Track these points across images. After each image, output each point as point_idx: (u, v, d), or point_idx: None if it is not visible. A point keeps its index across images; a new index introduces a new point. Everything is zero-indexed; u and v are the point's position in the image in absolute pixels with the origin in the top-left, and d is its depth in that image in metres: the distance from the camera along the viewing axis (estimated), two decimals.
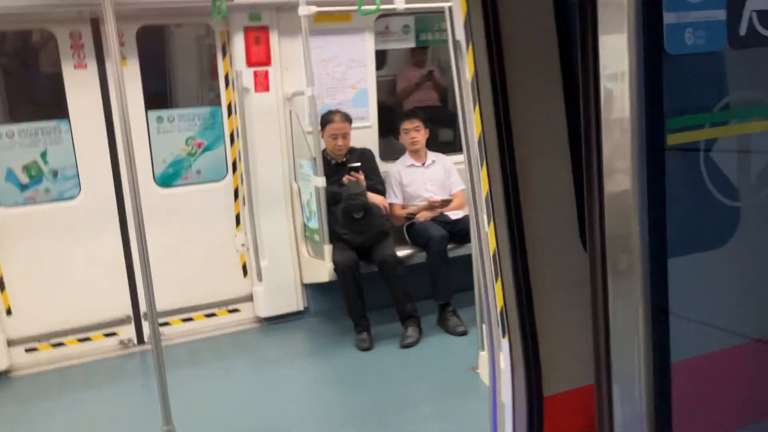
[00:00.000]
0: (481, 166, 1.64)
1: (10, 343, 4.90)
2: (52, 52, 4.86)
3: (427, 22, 5.78)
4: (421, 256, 5.17)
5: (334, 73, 5.38)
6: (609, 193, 1.19)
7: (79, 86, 4.88)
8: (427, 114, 5.70)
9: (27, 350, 4.98)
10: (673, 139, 1.19)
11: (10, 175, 4.87)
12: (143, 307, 5.20)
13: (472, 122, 1.71)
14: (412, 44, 5.94)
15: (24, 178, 4.91)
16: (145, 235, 3.51)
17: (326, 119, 5.09)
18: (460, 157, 5.42)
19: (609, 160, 1.18)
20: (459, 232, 5.11)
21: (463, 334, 4.94)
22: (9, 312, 4.91)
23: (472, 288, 4.21)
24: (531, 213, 1.56)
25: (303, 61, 4.89)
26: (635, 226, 1.15)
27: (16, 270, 4.90)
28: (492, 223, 1.64)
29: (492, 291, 1.82)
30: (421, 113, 5.49)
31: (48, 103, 5.12)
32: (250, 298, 5.54)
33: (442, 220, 5.23)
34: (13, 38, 5.29)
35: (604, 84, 1.15)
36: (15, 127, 4.84)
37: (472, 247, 4.03)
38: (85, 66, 4.85)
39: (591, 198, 1.23)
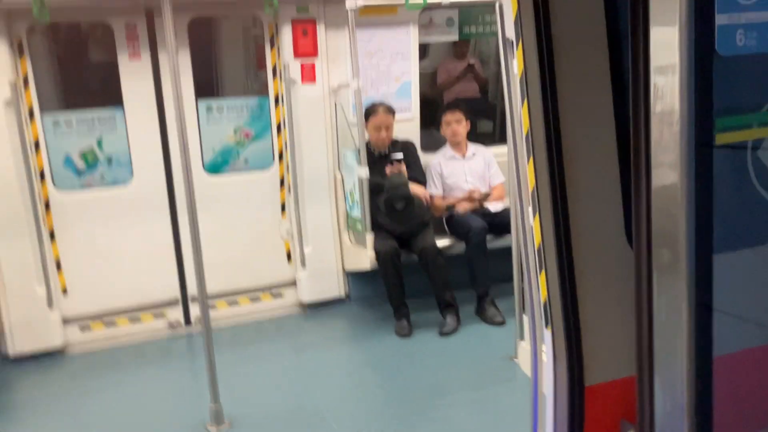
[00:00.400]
0: (528, 160, 1.69)
1: (65, 321, 5.12)
2: (109, 43, 5.04)
3: (471, 15, 5.80)
4: (460, 247, 5.24)
5: (378, 66, 5.47)
6: (656, 188, 1.22)
7: (133, 76, 5.05)
8: (467, 106, 5.74)
9: (81, 329, 5.20)
10: (721, 138, 1.23)
11: (69, 162, 5.07)
12: (191, 290, 5.39)
13: (520, 117, 1.76)
14: (455, 37, 5.98)
15: (81, 165, 5.11)
16: (197, 221, 3.66)
17: (370, 111, 5.18)
18: (499, 149, 5.49)
19: (657, 156, 1.21)
20: (498, 223, 5.16)
21: (501, 323, 5.01)
22: (65, 291, 5.13)
23: (510, 279, 4.28)
24: (577, 207, 1.61)
25: (349, 53, 4.98)
26: (681, 222, 1.19)
27: (72, 252, 5.12)
28: (537, 217, 1.69)
29: (535, 283, 1.87)
30: (463, 105, 5.53)
31: (104, 91, 5.29)
32: (293, 283, 5.68)
33: (482, 212, 5.28)
34: (71, 30, 5.48)
35: (654, 80, 1.18)
36: (73, 115, 5.05)
37: (512, 239, 4.10)
38: (140, 56, 5.02)
39: (638, 193, 1.27)
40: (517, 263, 4.07)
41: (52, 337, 5.01)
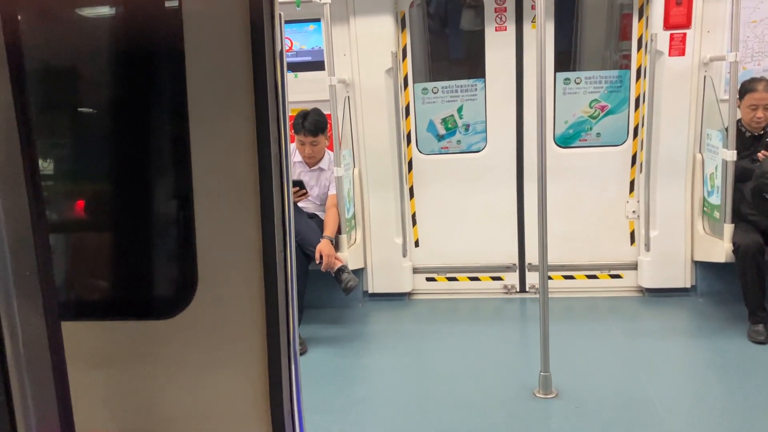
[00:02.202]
0: None
1: (415, 270, 5.69)
2: (476, 15, 5.32)
3: None
4: None
5: (763, 36, 4.83)
6: None
7: (497, 47, 5.27)
8: None
9: (427, 279, 5.72)
10: None
11: (431, 126, 5.55)
12: (528, 258, 5.53)
13: None
14: None
15: (441, 130, 5.55)
16: (545, 192, 3.72)
17: (747, 88, 4.63)
18: None
19: None
20: None
21: None
22: (417, 244, 5.69)
23: None
24: None
25: (728, 23, 4.50)
26: None
27: (427, 209, 5.63)
28: None
29: None
30: None
31: (467, 64, 5.63)
32: (633, 266, 5.45)
33: None
34: (442, 3, 5.92)
35: None
36: (439, 84, 5.49)
37: None
38: (505, 28, 5.22)
39: None
40: None
41: (402, 282, 5.61)
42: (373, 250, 5.53)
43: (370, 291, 5.61)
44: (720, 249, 4.66)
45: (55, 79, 1.78)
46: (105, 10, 1.75)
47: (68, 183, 1.88)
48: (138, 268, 1.91)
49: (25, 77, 1.08)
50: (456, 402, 3.92)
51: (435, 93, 5.47)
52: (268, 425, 1.74)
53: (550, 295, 5.28)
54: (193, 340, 1.73)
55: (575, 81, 5.32)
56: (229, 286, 1.68)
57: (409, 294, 5.68)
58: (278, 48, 1.56)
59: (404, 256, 5.57)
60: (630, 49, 5.29)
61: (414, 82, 5.44)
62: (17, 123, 1.06)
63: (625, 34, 5.39)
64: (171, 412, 1.79)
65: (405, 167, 5.50)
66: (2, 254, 1.06)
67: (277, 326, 1.68)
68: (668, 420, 3.54)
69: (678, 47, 4.87)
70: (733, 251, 4.53)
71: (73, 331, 1.48)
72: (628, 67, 5.31)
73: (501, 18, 5.21)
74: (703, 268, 5.21)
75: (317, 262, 4.66)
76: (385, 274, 5.56)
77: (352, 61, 5.20)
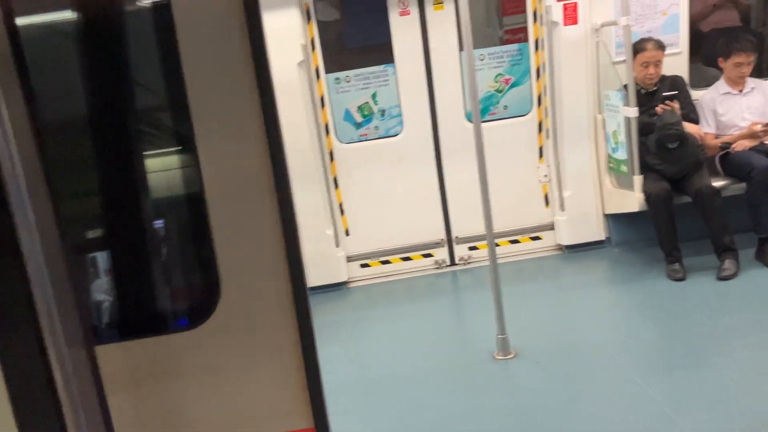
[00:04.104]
0: None
1: (348, 258, 5.74)
2: (330, 5, 5.41)
3: None
4: (736, 188, 4.96)
5: (644, 0, 5.26)
6: None
7: (403, 32, 5.39)
8: (728, 36, 5.34)
9: (361, 266, 5.79)
10: None
11: (348, 116, 5.60)
12: (455, 232, 5.74)
13: None
14: None
15: (358, 118, 5.61)
16: (485, 167, 3.89)
17: (638, 48, 5.03)
18: None
19: None
20: None
21: None
22: (347, 233, 5.73)
23: None
24: None
25: None
26: None
27: (352, 197, 5.68)
28: None
29: None
30: (754, 44, 5.12)
31: (378, 49, 5.70)
32: (551, 226, 5.79)
33: (764, 150, 4.93)
34: None
35: None
36: (352, 73, 5.53)
37: None
38: (409, 12, 5.34)
39: None
40: None
41: (338, 272, 5.64)
42: (306, 244, 5.49)
43: (307, 285, 5.59)
44: (632, 200, 5.05)
45: (54, 90, 1.69)
46: (88, 13, 1.65)
47: (75, 201, 1.79)
48: (157, 283, 1.86)
49: (34, 90, 1.05)
50: (417, 376, 4.01)
51: (348, 82, 5.52)
52: (309, 418, 1.75)
53: (478, 264, 5.53)
54: (224, 346, 1.71)
55: (479, 57, 5.54)
56: (255, 285, 1.66)
57: (346, 283, 5.73)
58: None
59: (337, 246, 5.60)
60: (514, 24, 5.57)
61: (326, 72, 5.45)
62: (34, 143, 1.03)
63: (506, 9, 5.66)
64: (212, 420, 1.76)
65: (327, 158, 5.52)
66: (43, 283, 1.04)
67: (308, 318, 1.70)
68: (622, 360, 3.84)
69: (571, 16, 5.21)
70: (645, 200, 4.93)
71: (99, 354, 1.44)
72: (513, 41, 5.59)
73: (404, 2, 5.33)
74: (614, 220, 5.63)
75: None
76: (320, 266, 5.57)
77: None
